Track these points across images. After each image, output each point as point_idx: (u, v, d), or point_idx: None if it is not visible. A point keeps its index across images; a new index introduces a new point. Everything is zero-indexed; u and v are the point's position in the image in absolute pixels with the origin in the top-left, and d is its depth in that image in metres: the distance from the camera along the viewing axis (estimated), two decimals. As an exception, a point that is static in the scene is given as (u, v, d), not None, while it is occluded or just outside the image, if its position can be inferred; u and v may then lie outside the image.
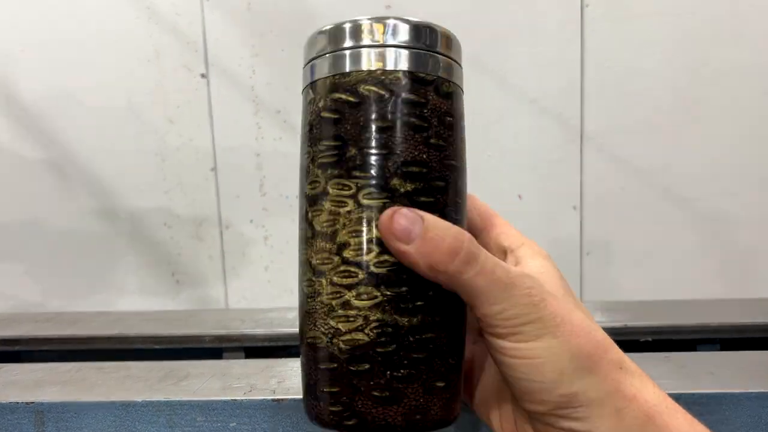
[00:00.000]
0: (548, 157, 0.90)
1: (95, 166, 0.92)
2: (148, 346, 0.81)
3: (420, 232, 0.31)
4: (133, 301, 0.95)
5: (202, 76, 0.91)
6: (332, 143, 0.32)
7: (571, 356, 0.31)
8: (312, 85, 0.34)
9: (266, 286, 0.94)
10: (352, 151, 0.32)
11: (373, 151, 0.32)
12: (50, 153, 0.92)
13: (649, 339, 0.78)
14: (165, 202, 0.93)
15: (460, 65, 0.35)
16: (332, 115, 0.32)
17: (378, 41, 0.32)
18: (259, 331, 0.80)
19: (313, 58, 0.34)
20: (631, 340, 0.77)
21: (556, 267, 0.37)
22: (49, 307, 0.95)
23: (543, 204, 0.91)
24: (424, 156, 0.32)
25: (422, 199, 0.33)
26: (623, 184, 0.90)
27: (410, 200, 0.32)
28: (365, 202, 0.32)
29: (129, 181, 0.93)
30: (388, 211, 0.32)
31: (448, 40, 0.34)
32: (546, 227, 0.91)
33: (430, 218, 0.32)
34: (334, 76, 0.33)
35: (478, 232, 0.39)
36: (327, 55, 0.33)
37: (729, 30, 0.87)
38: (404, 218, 0.31)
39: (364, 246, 0.32)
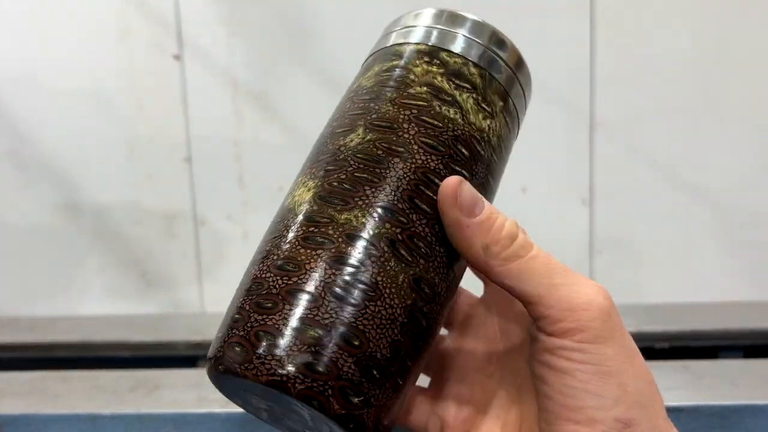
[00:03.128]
0: (555, 146, 0.91)
1: (57, 156, 0.92)
2: (116, 353, 0.81)
3: (483, 211, 0.32)
4: (99, 305, 0.95)
5: (175, 57, 0.90)
6: None
7: (635, 376, 0.29)
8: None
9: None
10: None
11: None
12: (7, 141, 0.92)
13: (666, 346, 0.79)
14: (134, 196, 0.93)
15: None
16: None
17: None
18: (239, 337, 0.80)
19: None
20: (646, 347, 0.78)
21: None
22: (6, 311, 0.94)
23: (549, 198, 0.92)
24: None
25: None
26: (637, 175, 0.91)
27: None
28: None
29: (94, 172, 0.93)
30: (453, 179, 0.32)
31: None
32: (553, 223, 0.92)
33: (488, 204, 0.32)
34: None
35: None
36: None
37: (754, 7, 0.87)
38: (470, 192, 0.32)
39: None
